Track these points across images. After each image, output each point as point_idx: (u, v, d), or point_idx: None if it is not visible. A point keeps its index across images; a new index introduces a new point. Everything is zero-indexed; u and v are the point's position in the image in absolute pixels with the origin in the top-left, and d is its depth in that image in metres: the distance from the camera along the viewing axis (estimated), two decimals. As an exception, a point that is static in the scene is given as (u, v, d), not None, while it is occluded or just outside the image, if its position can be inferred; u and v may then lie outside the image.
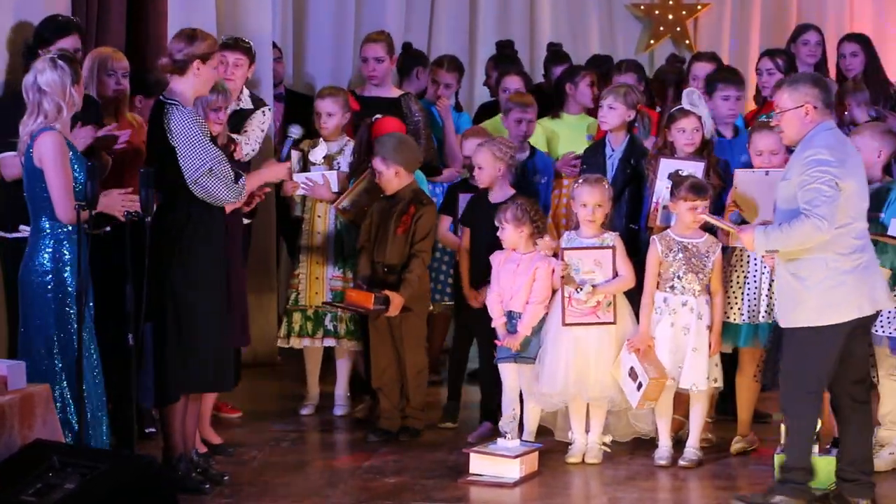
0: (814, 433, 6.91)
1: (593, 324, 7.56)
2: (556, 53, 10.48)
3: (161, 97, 6.98)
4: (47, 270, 6.64)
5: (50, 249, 6.64)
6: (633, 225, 8.06)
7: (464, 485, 7.23)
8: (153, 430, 7.76)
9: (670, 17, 12.16)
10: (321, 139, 8.51)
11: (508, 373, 7.80)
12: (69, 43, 7.37)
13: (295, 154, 8.36)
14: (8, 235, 7.32)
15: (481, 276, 8.01)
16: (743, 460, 7.63)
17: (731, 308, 7.61)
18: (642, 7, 12.23)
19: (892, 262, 7.28)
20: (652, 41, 12.17)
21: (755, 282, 7.54)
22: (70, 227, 6.62)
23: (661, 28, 12.17)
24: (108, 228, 7.00)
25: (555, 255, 7.70)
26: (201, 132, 6.85)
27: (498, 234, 7.78)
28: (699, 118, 7.89)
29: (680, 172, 7.57)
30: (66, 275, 6.64)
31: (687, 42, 12.09)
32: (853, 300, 6.62)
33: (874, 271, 6.74)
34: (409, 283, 7.95)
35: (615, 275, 7.57)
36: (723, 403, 8.05)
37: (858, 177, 6.68)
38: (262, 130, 8.34)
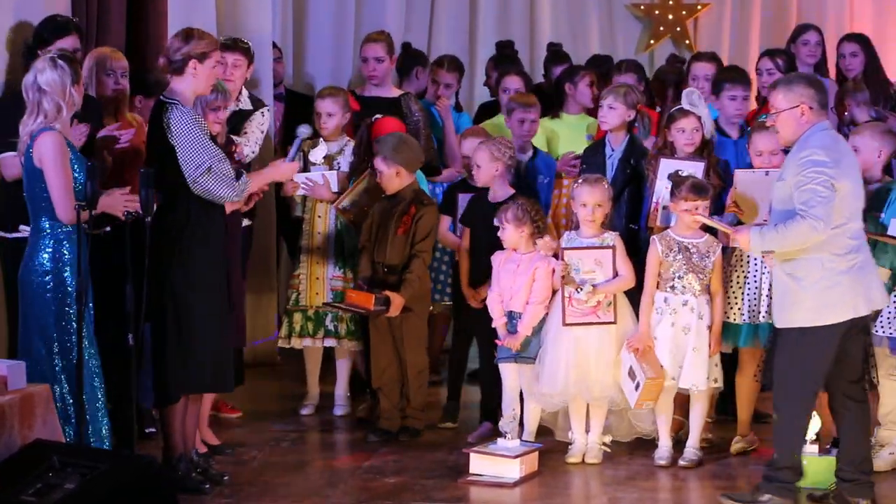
0: (804, 433, 6.92)
1: (594, 323, 7.56)
2: (556, 53, 10.49)
3: (161, 97, 6.98)
4: (47, 270, 6.64)
5: (50, 249, 6.64)
6: (632, 225, 8.06)
7: (464, 485, 7.23)
8: (153, 430, 7.76)
9: (670, 17, 12.16)
10: (321, 139, 8.51)
11: (509, 373, 7.80)
12: (68, 43, 7.38)
13: (320, 148, 8.33)
14: (8, 235, 7.32)
15: (481, 276, 8.01)
16: (743, 460, 7.63)
17: (732, 308, 7.61)
18: (642, 7, 12.23)
19: (892, 261, 7.28)
20: (652, 41, 12.17)
21: (755, 282, 7.54)
22: (70, 227, 6.62)
23: (661, 28, 12.17)
24: (107, 228, 7.00)
25: (555, 256, 7.70)
26: (201, 131, 6.85)
27: (498, 234, 7.78)
28: (699, 118, 7.89)
29: (680, 173, 7.57)
30: (65, 275, 6.65)
31: (687, 42, 12.10)
32: (849, 300, 6.62)
33: (870, 271, 6.74)
34: (409, 284, 7.95)
35: (615, 274, 7.57)
36: (723, 403, 8.05)
37: (853, 177, 6.68)
38: (262, 132, 8.34)
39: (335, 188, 8.34)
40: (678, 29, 12.15)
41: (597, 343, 7.57)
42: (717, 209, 7.66)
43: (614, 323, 7.58)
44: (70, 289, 6.63)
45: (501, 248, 7.83)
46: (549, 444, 7.75)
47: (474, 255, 8.11)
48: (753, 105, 9.92)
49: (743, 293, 7.58)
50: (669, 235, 7.56)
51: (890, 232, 7.22)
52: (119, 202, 6.79)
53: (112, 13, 8.23)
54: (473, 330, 8.29)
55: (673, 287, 7.50)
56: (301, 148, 8.44)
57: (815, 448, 7.17)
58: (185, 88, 6.93)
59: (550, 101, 9.37)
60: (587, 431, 7.67)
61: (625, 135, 8.22)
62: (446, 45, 11.30)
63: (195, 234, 6.90)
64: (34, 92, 6.64)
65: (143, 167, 6.81)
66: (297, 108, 9.54)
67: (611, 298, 7.59)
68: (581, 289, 7.53)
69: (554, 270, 7.64)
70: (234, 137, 7.99)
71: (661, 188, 7.80)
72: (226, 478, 7.16)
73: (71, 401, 6.63)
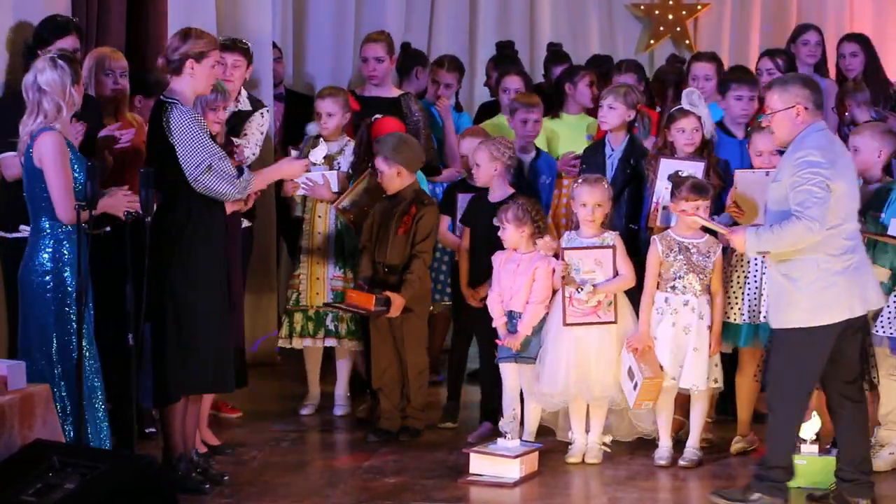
0: (798, 433, 6.92)
1: (594, 323, 7.56)
2: (556, 53, 10.49)
3: (161, 97, 6.99)
4: (47, 270, 6.64)
5: (50, 249, 6.64)
6: (632, 225, 8.06)
7: (464, 485, 7.23)
8: (153, 430, 7.76)
9: (670, 17, 12.16)
10: (321, 139, 8.51)
11: (509, 373, 7.80)
12: (68, 43, 7.37)
13: (321, 148, 8.32)
14: (8, 235, 7.32)
15: (481, 276, 8.01)
16: (743, 460, 7.62)
17: (732, 308, 7.61)
18: (642, 7, 12.23)
19: (892, 261, 7.28)
20: (652, 41, 12.17)
21: (755, 282, 7.54)
22: (70, 227, 6.62)
23: (661, 28, 12.17)
24: (107, 228, 7.00)
25: (555, 256, 7.70)
26: (200, 130, 6.85)
27: (499, 233, 7.78)
28: (699, 118, 7.89)
29: (679, 173, 7.57)
30: (65, 275, 6.64)
31: (687, 42, 12.10)
32: (844, 301, 6.62)
33: (865, 271, 6.74)
34: (409, 284, 7.95)
35: (615, 274, 7.57)
36: (723, 403, 8.05)
37: (849, 178, 6.68)
38: (262, 133, 8.35)
39: (335, 188, 8.34)
40: (678, 29, 12.15)
41: (597, 343, 7.57)
42: (717, 209, 7.66)
43: (615, 322, 7.58)
44: (70, 289, 6.63)
45: (501, 248, 7.84)
46: (550, 444, 7.75)
47: (474, 255, 8.11)
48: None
49: (743, 293, 7.57)
50: (670, 235, 7.56)
51: (890, 232, 7.22)
52: (121, 202, 6.78)
53: (112, 13, 8.23)
54: (473, 330, 8.29)
55: (674, 287, 7.50)
56: (299, 148, 8.47)
57: (815, 448, 7.17)
58: (184, 88, 6.93)
59: (550, 101, 9.36)
60: (587, 431, 7.67)
61: (625, 135, 8.22)
62: (446, 45, 11.30)
63: (196, 232, 6.90)
64: (34, 92, 6.64)
65: (143, 167, 6.81)
66: (297, 108, 9.55)
67: (611, 298, 7.59)
68: (581, 289, 7.53)
69: (554, 270, 7.64)
70: (235, 139, 7.99)
71: (661, 188, 7.80)
72: (226, 478, 7.16)
73: (70, 401, 6.62)
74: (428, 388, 8.28)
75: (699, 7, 12.20)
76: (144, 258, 6.67)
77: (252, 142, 8.22)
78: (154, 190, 6.69)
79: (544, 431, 7.87)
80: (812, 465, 7.12)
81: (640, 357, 7.43)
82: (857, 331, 6.78)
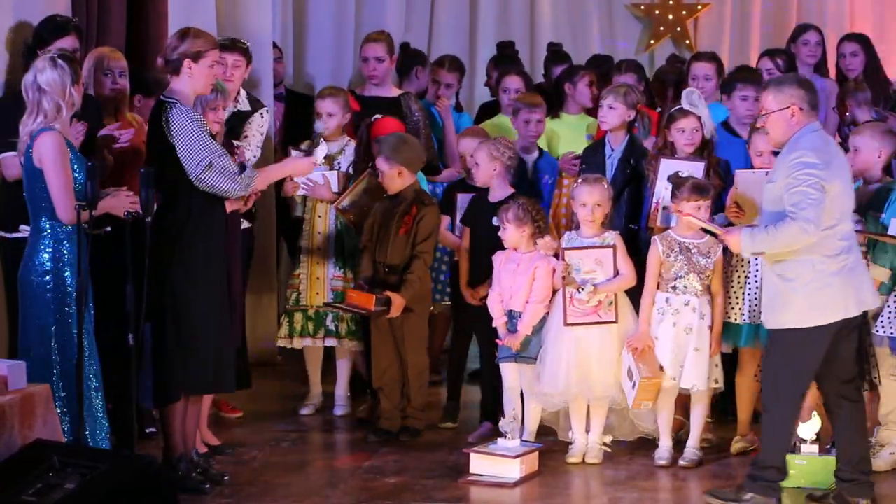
0: (792, 433, 6.92)
1: (595, 323, 7.56)
2: (556, 53, 10.49)
3: (161, 97, 6.99)
4: (47, 270, 6.64)
5: (50, 249, 6.64)
6: (632, 225, 8.06)
7: (464, 485, 7.23)
8: (153, 430, 7.76)
9: (670, 17, 12.16)
10: (322, 139, 8.50)
11: (509, 373, 7.80)
12: (67, 43, 7.37)
13: (321, 148, 8.30)
14: (8, 235, 7.32)
15: (481, 276, 8.01)
16: (743, 460, 7.62)
17: (732, 308, 7.61)
18: (642, 7, 12.23)
19: (892, 261, 7.28)
20: (652, 41, 12.17)
21: (756, 282, 7.54)
22: (70, 227, 6.62)
23: (661, 28, 12.17)
24: (108, 228, 7.00)
25: (555, 256, 7.70)
26: (200, 128, 6.84)
27: (499, 233, 7.78)
28: (699, 118, 7.89)
29: (679, 174, 7.57)
30: (66, 275, 6.65)
31: (687, 42, 12.10)
32: (839, 301, 6.62)
33: (860, 272, 6.74)
34: (410, 284, 7.95)
35: (616, 274, 7.57)
36: (723, 403, 8.05)
37: (843, 178, 6.68)
38: (262, 134, 8.35)
39: (335, 188, 8.34)
40: (678, 29, 12.14)
41: (598, 342, 7.57)
42: (717, 209, 7.66)
43: (615, 322, 7.58)
44: (70, 289, 6.63)
45: (502, 248, 7.84)
46: (550, 444, 7.75)
47: (474, 255, 8.11)
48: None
49: (744, 293, 7.57)
50: (670, 236, 7.56)
51: (890, 232, 7.22)
52: (124, 203, 6.78)
53: (112, 13, 8.23)
54: (473, 329, 8.30)
55: (674, 287, 7.50)
56: (300, 148, 8.47)
57: (815, 448, 7.17)
58: (183, 88, 6.93)
59: (550, 101, 9.36)
60: (588, 431, 7.67)
61: (625, 135, 8.22)
62: (446, 46, 11.30)
63: (197, 229, 6.90)
64: (34, 91, 6.64)
65: (143, 167, 6.81)
66: (298, 108, 9.55)
67: (612, 298, 7.59)
68: (582, 289, 7.53)
69: (554, 270, 7.65)
70: (235, 142, 7.98)
71: (661, 188, 7.80)
72: (226, 478, 7.16)
73: (71, 401, 6.62)
74: (428, 388, 8.28)
75: (699, 7, 12.20)
76: (144, 258, 6.67)
77: (253, 144, 8.21)
78: (154, 190, 6.69)
79: (544, 431, 7.87)
80: (812, 465, 7.13)
81: (639, 357, 7.43)
82: (853, 331, 6.78)
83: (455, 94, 9.91)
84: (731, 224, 7.12)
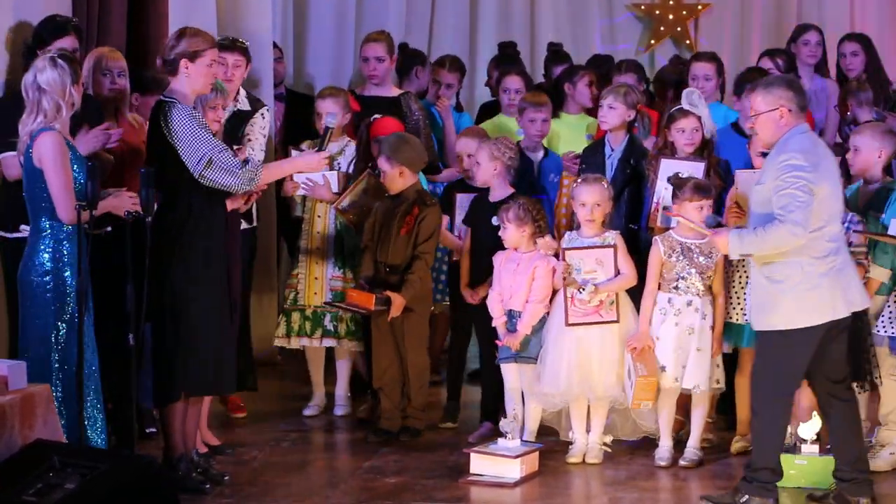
0: (783, 434, 6.91)
1: (596, 323, 7.56)
2: (556, 53, 10.49)
3: (161, 97, 6.99)
4: (47, 270, 6.64)
5: (50, 249, 6.64)
6: (632, 225, 8.06)
7: (464, 485, 7.23)
8: (153, 430, 7.76)
9: (670, 17, 12.16)
10: (331, 131, 8.48)
11: (510, 373, 7.80)
12: (66, 43, 7.36)
13: (335, 146, 8.27)
14: (8, 235, 7.32)
15: (482, 276, 8.01)
16: (743, 460, 7.59)
17: (734, 308, 7.61)
18: (642, 7, 12.23)
19: (892, 262, 7.28)
20: (652, 41, 12.17)
21: (756, 282, 7.54)
22: (70, 227, 6.62)
23: (662, 28, 12.17)
24: (108, 228, 7.00)
25: (555, 255, 7.70)
26: (198, 126, 6.84)
27: (499, 233, 7.78)
28: (699, 118, 7.89)
29: (679, 175, 7.57)
30: (66, 275, 6.65)
31: (687, 42, 12.10)
32: (828, 302, 6.62)
33: (848, 273, 6.73)
34: (410, 284, 7.95)
35: (617, 273, 7.57)
36: (723, 403, 8.05)
37: (832, 180, 6.67)
38: (264, 135, 8.34)
39: (335, 188, 8.34)
40: (678, 29, 12.14)
41: (599, 342, 7.57)
42: (717, 209, 7.66)
43: (617, 322, 7.58)
44: (70, 289, 6.63)
45: (502, 248, 7.84)
46: (550, 444, 7.75)
47: (475, 255, 8.11)
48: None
49: (745, 293, 7.57)
50: (671, 236, 7.55)
51: (890, 232, 7.22)
52: (125, 203, 6.79)
53: (112, 14, 8.23)
54: (472, 328, 8.30)
55: (676, 287, 7.50)
56: (300, 148, 8.47)
57: (816, 448, 7.17)
58: (182, 88, 6.94)
59: (550, 101, 9.35)
60: (588, 431, 7.67)
61: (624, 135, 8.21)
62: (447, 46, 11.31)
63: (197, 227, 6.89)
64: (34, 91, 6.64)
65: (144, 167, 6.81)
66: (298, 108, 9.55)
67: (613, 297, 7.59)
68: (583, 289, 7.53)
69: (554, 270, 7.65)
70: (235, 146, 7.96)
71: (662, 188, 7.80)
72: (226, 478, 7.16)
73: (69, 401, 6.62)
74: (428, 388, 8.28)
75: (699, 7, 12.20)
76: (145, 258, 6.67)
77: (256, 146, 8.20)
78: (154, 190, 6.69)
79: (545, 431, 7.87)
80: (812, 465, 7.13)
81: (639, 356, 7.43)
82: (843, 331, 6.77)
83: (455, 94, 9.91)
84: (720, 225, 7.11)
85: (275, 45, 9.66)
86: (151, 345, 6.92)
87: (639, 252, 7.76)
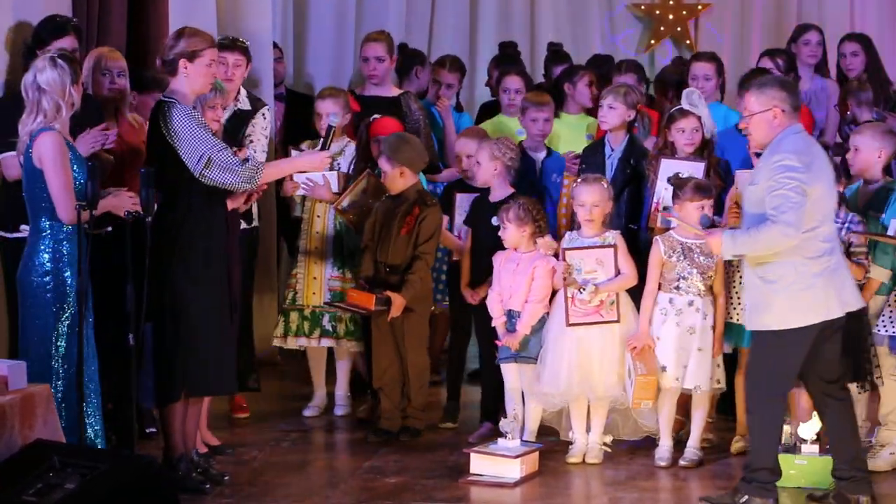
0: (779, 433, 6.91)
1: (597, 323, 7.56)
2: (556, 53, 10.49)
3: (161, 97, 6.99)
4: (47, 271, 6.64)
5: (50, 249, 6.64)
6: (632, 225, 8.06)
7: (464, 485, 7.23)
8: (153, 430, 7.76)
9: (670, 17, 12.16)
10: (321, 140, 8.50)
11: (510, 373, 7.80)
12: (66, 43, 7.36)
13: (335, 146, 8.25)
14: (8, 235, 7.32)
15: (482, 276, 8.01)
16: (743, 460, 7.60)
17: (734, 308, 7.60)
18: (642, 7, 12.23)
19: (892, 262, 7.28)
20: (652, 41, 12.17)
21: (757, 282, 7.53)
22: (70, 227, 6.62)
23: (662, 28, 12.17)
24: (109, 228, 6.99)
25: (555, 255, 7.71)
26: (197, 125, 6.83)
27: (499, 233, 7.78)
28: (699, 118, 7.89)
29: (679, 175, 7.57)
30: (66, 275, 6.65)
31: (687, 42, 12.10)
32: (822, 303, 6.62)
33: (842, 273, 6.73)
34: (411, 285, 7.95)
35: (617, 273, 7.57)
36: (723, 403, 8.05)
37: (825, 180, 6.66)
38: (266, 136, 8.34)
39: (335, 188, 8.34)
40: (678, 29, 12.14)
41: (600, 342, 7.57)
42: (717, 209, 7.66)
43: (618, 321, 7.58)
44: (70, 289, 6.63)
45: (502, 248, 7.84)
46: (550, 444, 7.75)
47: (475, 255, 8.11)
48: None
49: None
50: (672, 236, 7.55)
51: (890, 232, 7.22)
52: (126, 203, 6.79)
53: (113, 14, 8.23)
54: (472, 328, 8.30)
55: (677, 287, 7.50)
56: (299, 148, 8.47)
57: (816, 448, 7.17)
58: (181, 87, 6.94)
59: (551, 100, 9.37)
60: (588, 431, 7.67)
61: (624, 135, 8.22)
62: (447, 46, 11.32)
63: (198, 227, 6.89)
64: (33, 91, 6.64)
65: (144, 167, 6.81)
66: (298, 108, 9.55)
67: (614, 297, 7.59)
68: (584, 289, 7.53)
69: (554, 270, 7.65)
70: (234, 149, 7.95)
71: (662, 189, 7.80)
72: (226, 478, 7.16)
73: (69, 401, 6.62)
74: (428, 388, 8.28)
75: (699, 7, 12.19)
76: (144, 258, 6.67)
77: (259, 148, 8.19)
78: (154, 190, 6.69)
79: (545, 431, 7.87)
80: (812, 465, 7.13)
81: (638, 356, 7.44)
82: (837, 332, 6.77)
83: (455, 94, 9.91)
84: (714, 225, 7.12)
85: (275, 45, 9.67)
86: (151, 345, 6.92)
87: (639, 252, 7.75)
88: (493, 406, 8.03)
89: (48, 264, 6.64)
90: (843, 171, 7.71)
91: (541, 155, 8.64)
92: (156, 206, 6.78)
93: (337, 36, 10.80)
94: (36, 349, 6.65)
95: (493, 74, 10.13)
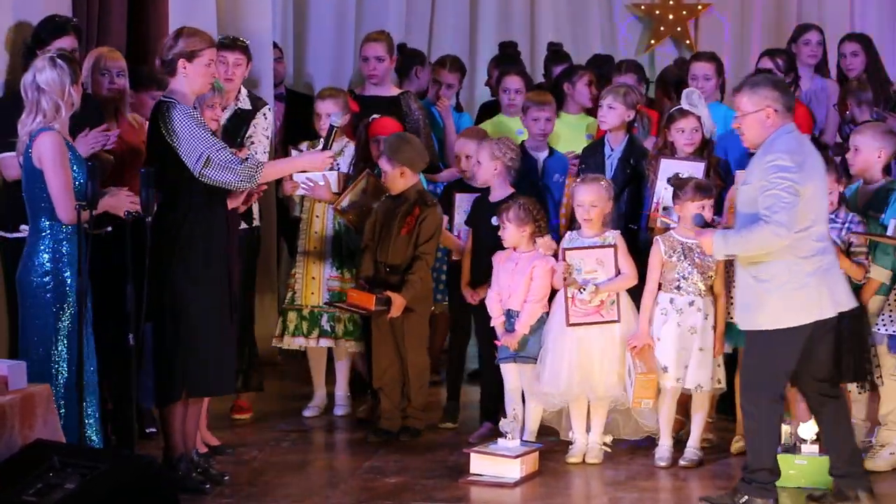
0: (776, 433, 6.90)
1: (597, 323, 7.56)
2: (556, 53, 10.49)
3: (161, 97, 6.99)
4: (47, 271, 6.64)
5: (49, 250, 6.64)
6: (632, 225, 8.06)
7: (464, 485, 7.23)
8: (153, 430, 7.76)
9: (670, 17, 12.16)
10: (321, 140, 8.49)
11: (510, 373, 7.80)
12: (66, 43, 7.35)
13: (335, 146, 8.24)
14: (8, 235, 7.32)
15: (482, 276, 8.01)
16: (743, 460, 7.61)
17: (735, 308, 7.59)
18: (642, 7, 12.23)
19: (892, 262, 7.28)
20: (652, 41, 12.17)
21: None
22: (69, 227, 6.62)
23: (662, 28, 12.17)
24: (109, 228, 6.99)
25: (554, 255, 7.71)
26: (196, 125, 6.83)
27: (499, 233, 7.78)
28: (698, 118, 7.89)
29: (679, 175, 7.57)
30: (65, 275, 6.65)
31: (687, 42, 12.10)
32: (814, 302, 6.62)
33: (835, 273, 6.73)
34: (411, 285, 7.95)
35: (618, 273, 7.57)
36: (723, 403, 8.05)
37: (818, 179, 6.66)
38: (267, 136, 8.34)
39: (335, 188, 8.34)
40: (678, 29, 12.15)
41: (600, 342, 7.57)
42: (717, 209, 7.66)
43: (618, 321, 7.58)
44: (69, 289, 6.63)
45: (503, 248, 7.84)
46: (550, 445, 7.76)
47: (476, 255, 8.11)
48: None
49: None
50: (672, 236, 7.55)
51: (889, 232, 7.22)
52: (124, 202, 6.79)
53: (113, 14, 8.23)
54: (472, 328, 8.30)
55: (678, 287, 7.50)
56: (298, 148, 8.47)
57: (815, 448, 7.16)
58: (181, 87, 6.94)
59: (551, 100, 9.37)
60: (588, 431, 7.67)
61: (624, 135, 8.22)
62: (447, 46, 11.32)
63: (198, 227, 6.89)
64: (33, 91, 6.64)
65: (144, 167, 6.81)
66: (298, 108, 9.55)
67: (614, 297, 7.59)
68: (584, 289, 7.53)
69: (553, 269, 7.65)
70: (232, 150, 7.95)
71: (662, 189, 7.80)
72: (226, 478, 7.16)
73: (68, 400, 6.62)
74: (428, 388, 8.28)
75: (699, 7, 12.20)
76: (144, 258, 6.67)
77: (260, 149, 8.18)
78: (154, 190, 6.69)
79: (545, 431, 7.87)
80: (812, 465, 7.13)
81: (638, 355, 7.44)
82: (829, 331, 6.77)
83: (455, 94, 9.91)
84: (707, 224, 7.12)
85: (275, 45, 9.67)
86: (151, 345, 6.92)
87: (639, 252, 7.75)
88: (493, 406, 8.03)
89: (48, 264, 6.64)
90: (843, 171, 7.71)
91: (543, 154, 8.64)
92: (156, 206, 6.78)
93: (337, 36, 10.80)
94: (36, 349, 6.65)
95: (493, 74, 10.13)
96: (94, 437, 6.72)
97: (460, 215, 8.35)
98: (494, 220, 7.86)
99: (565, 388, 7.56)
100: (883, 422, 7.49)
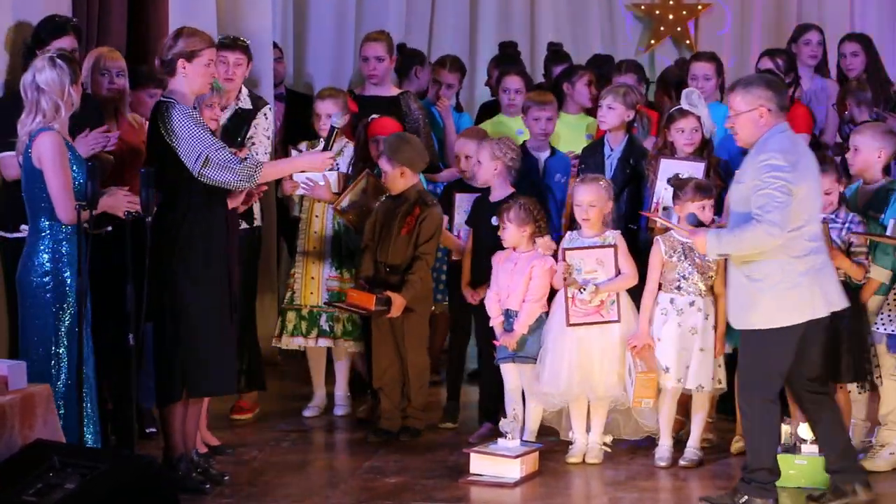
0: (774, 433, 6.90)
1: (598, 323, 7.56)
2: (556, 53, 10.49)
3: (161, 97, 6.99)
4: (47, 271, 6.64)
5: (49, 250, 6.64)
6: (632, 225, 8.06)
7: (464, 485, 7.23)
8: (153, 430, 7.76)
9: (670, 17, 12.17)
10: (321, 140, 8.49)
11: (509, 373, 7.80)
12: (65, 43, 7.35)
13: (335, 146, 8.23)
14: (8, 235, 7.32)
15: (483, 276, 8.01)
16: (742, 460, 7.61)
17: (728, 307, 7.59)
18: (642, 7, 12.23)
19: (892, 262, 7.28)
20: (652, 41, 12.17)
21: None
22: (69, 227, 6.62)
23: (662, 28, 12.17)
24: (109, 228, 6.98)
25: (553, 256, 7.71)
26: (195, 125, 6.83)
27: (499, 233, 7.79)
28: (698, 118, 7.89)
29: (679, 175, 7.57)
30: (65, 275, 6.64)
31: (687, 42, 12.10)
32: (807, 301, 6.62)
33: (828, 272, 6.73)
34: (411, 285, 7.95)
35: (618, 273, 7.57)
36: (723, 403, 8.04)
37: (811, 178, 6.66)
38: (268, 136, 8.34)
39: (335, 189, 8.34)
40: (678, 29, 12.15)
41: (600, 342, 7.57)
42: (717, 209, 7.66)
43: (618, 321, 7.58)
44: (69, 289, 6.63)
45: (503, 248, 7.84)
46: (550, 445, 7.76)
47: (476, 256, 8.11)
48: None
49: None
50: (672, 236, 7.55)
51: (889, 232, 7.22)
52: (122, 202, 6.79)
53: (113, 14, 8.23)
54: (472, 328, 8.30)
55: (679, 287, 7.50)
56: (298, 148, 8.47)
57: (815, 448, 7.16)
58: (180, 88, 6.94)
59: (550, 100, 9.37)
60: (588, 431, 7.67)
61: (624, 135, 8.22)
62: (447, 46, 11.32)
63: (198, 227, 6.89)
64: (32, 91, 6.64)
65: (144, 167, 6.81)
66: (298, 107, 9.55)
67: (614, 297, 7.59)
68: (584, 289, 7.53)
69: (552, 269, 7.65)
70: (232, 150, 7.95)
71: (661, 189, 7.80)
72: (226, 478, 7.16)
73: (68, 400, 6.62)
74: (428, 388, 8.28)
75: (699, 7, 12.20)
76: (144, 258, 6.67)
77: (261, 150, 8.19)
78: (154, 190, 6.69)
79: (545, 431, 7.87)
80: (812, 465, 7.12)
81: (638, 354, 7.44)
82: (821, 331, 6.77)
83: (455, 94, 9.91)
84: (701, 224, 7.12)
85: (275, 45, 9.67)
86: (151, 345, 6.92)
87: (639, 252, 7.75)
88: (493, 406, 8.03)
89: (48, 264, 6.64)
90: (843, 171, 7.71)
91: (544, 154, 8.64)
92: (156, 207, 6.78)
93: (337, 36, 10.80)
94: (36, 349, 6.65)
95: (493, 74, 10.13)
96: (93, 438, 6.72)
97: (460, 215, 8.36)
98: (494, 220, 7.86)
99: (565, 388, 7.56)
100: (883, 422, 7.49)
